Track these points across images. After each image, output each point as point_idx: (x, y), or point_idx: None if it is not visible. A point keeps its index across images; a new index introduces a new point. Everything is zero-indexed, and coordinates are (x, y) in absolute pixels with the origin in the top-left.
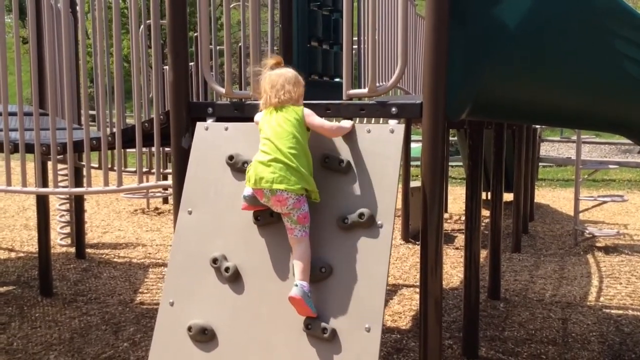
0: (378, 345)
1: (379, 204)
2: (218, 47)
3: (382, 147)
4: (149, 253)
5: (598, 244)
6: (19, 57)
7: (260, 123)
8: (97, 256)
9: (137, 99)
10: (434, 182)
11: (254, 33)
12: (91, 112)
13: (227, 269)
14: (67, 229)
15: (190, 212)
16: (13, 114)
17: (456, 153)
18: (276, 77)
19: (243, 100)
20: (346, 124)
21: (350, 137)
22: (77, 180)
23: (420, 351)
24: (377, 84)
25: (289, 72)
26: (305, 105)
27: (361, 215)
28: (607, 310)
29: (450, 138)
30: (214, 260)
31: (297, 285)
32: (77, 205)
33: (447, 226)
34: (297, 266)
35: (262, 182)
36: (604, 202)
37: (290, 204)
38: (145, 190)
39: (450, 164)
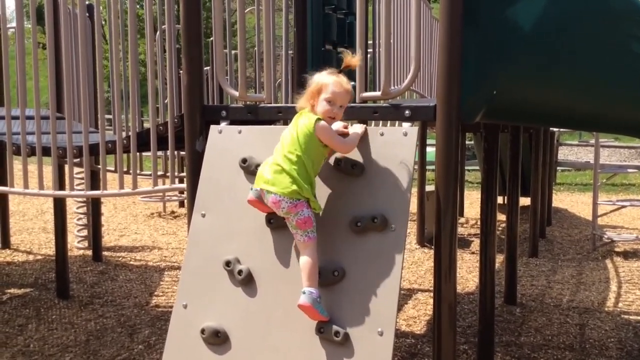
0: (391, 349)
1: (393, 207)
2: (233, 52)
3: (395, 150)
4: (165, 256)
5: (617, 249)
6: (36, 61)
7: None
8: (113, 259)
9: (152, 103)
10: (448, 185)
11: (267, 37)
12: (108, 116)
13: (240, 272)
14: (85, 232)
15: (203, 215)
16: (31, 117)
17: (473, 157)
18: (313, 82)
19: (257, 103)
20: (356, 134)
21: (363, 140)
22: (94, 184)
23: (434, 356)
24: (392, 87)
25: (315, 79)
26: None
27: (374, 218)
28: (626, 316)
29: (467, 142)
30: (227, 263)
31: (304, 293)
32: (94, 209)
33: (463, 231)
34: (303, 272)
35: (261, 182)
36: (623, 207)
37: (284, 207)
38: (162, 194)
39: (466, 168)
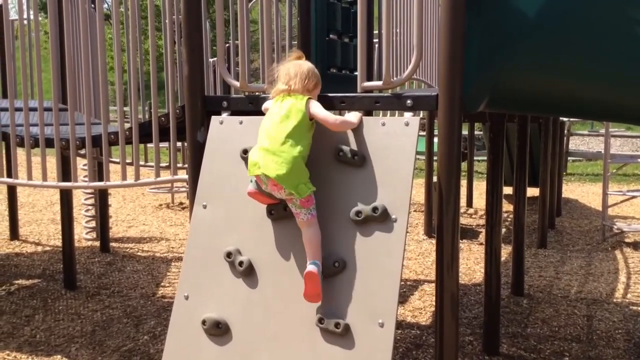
0: (392, 340)
1: (393, 198)
2: (237, 42)
3: (396, 140)
4: (172, 247)
5: (627, 240)
6: (39, 53)
7: (268, 111)
8: (121, 250)
9: (154, 93)
10: (450, 175)
11: (268, 27)
12: (114, 107)
13: (240, 263)
14: (93, 223)
15: (205, 206)
16: (35, 109)
17: (483, 147)
18: (292, 67)
19: (258, 93)
20: (352, 117)
21: (364, 130)
22: (101, 175)
23: (436, 347)
24: (394, 77)
25: (304, 65)
26: (320, 97)
27: (375, 209)
28: (634, 307)
29: (477, 132)
30: (228, 254)
31: (312, 263)
32: (101, 200)
33: (472, 221)
34: (309, 248)
35: (255, 169)
36: (634, 197)
37: (287, 190)
38: (170, 185)
39: (475, 158)
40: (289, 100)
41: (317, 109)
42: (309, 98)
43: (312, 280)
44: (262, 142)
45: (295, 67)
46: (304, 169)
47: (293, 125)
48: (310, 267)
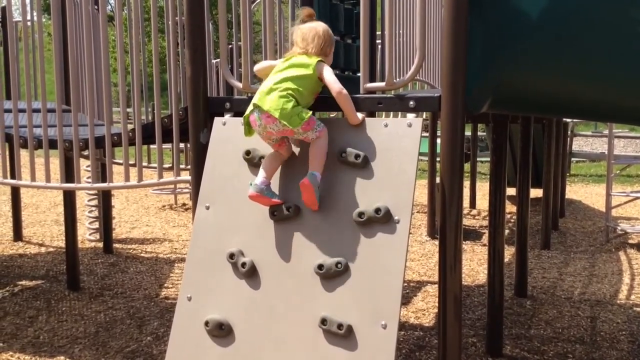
0: (394, 342)
1: (396, 199)
2: (240, 43)
3: (399, 141)
4: (175, 248)
5: (630, 241)
6: (42, 54)
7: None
8: (124, 251)
9: (157, 95)
10: (453, 176)
11: (270, 26)
12: (117, 108)
13: (243, 264)
14: (96, 224)
15: (207, 208)
16: (38, 110)
17: (486, 148)
18: (307, 31)
19: None
20: (358, 114)
21: (367, 131)
22: (105, 176)
23: (440, 348)
24: (397, 78)
25: (319, 27)
26: (324, 99)
27: (377, 210)
28: (638, 309)
29: (480, 133)
30: (231, 256)
31: (310, 174)
32: (104, 201)
33: (475, 222)
34: (315, 157)
35: (251, 106)
36: (637, 198)
37: (281, 122)
38: (173, 186)
39: (479, 159)
40: (303, 56)
41: (327, 73)
42: (320, 60)
43: (307, 190)
44: (264, 83)
45: (311, 30)
46: (297, 105)
47: (300, 73)
48: (306, 179)
